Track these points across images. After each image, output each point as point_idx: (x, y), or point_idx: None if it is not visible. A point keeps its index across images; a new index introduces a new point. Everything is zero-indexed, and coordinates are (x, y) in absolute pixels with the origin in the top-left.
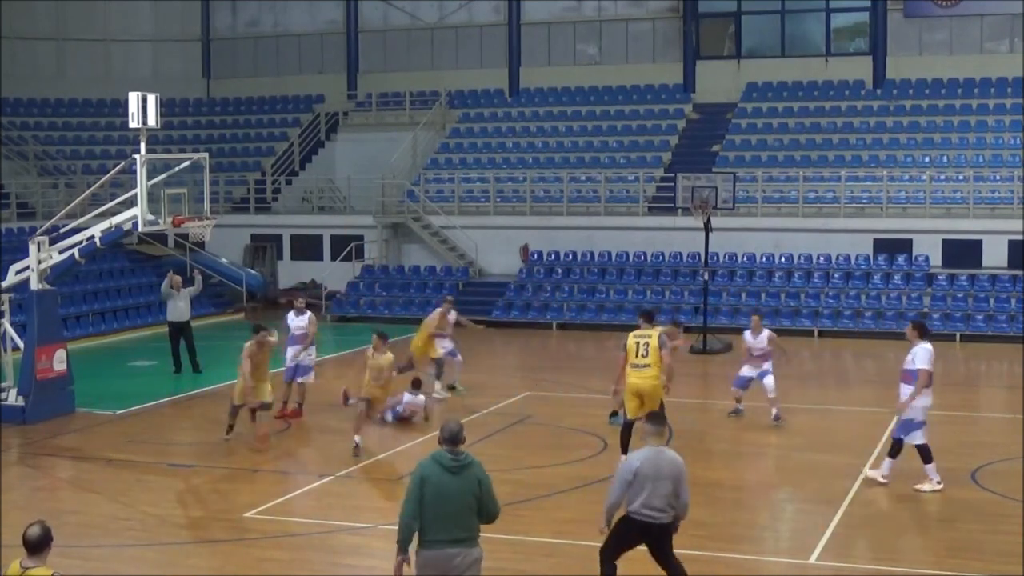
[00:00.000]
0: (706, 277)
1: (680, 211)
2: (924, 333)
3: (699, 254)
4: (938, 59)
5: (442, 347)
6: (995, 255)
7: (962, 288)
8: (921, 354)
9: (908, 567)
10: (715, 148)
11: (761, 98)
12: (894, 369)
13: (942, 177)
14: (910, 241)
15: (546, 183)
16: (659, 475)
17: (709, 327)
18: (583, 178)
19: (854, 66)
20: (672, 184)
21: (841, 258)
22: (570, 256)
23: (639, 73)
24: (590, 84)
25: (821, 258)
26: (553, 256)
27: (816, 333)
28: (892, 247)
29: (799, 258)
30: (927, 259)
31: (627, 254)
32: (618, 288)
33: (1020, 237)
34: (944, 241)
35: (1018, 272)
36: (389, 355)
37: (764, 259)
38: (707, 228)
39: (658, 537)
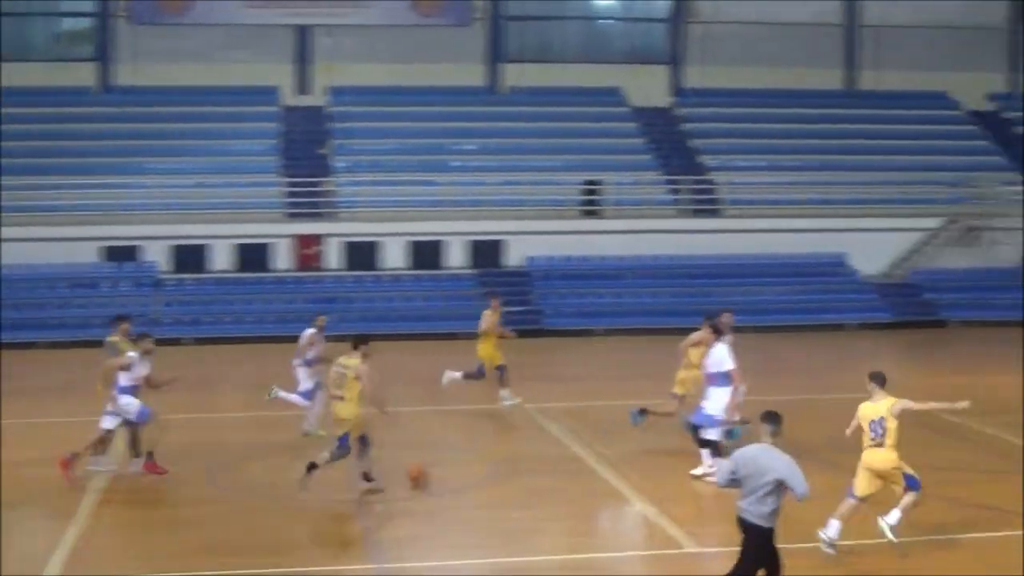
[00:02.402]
0: None
1: None
2: (719, 332)
3: None
4: (175, 67)
5: None
6: (222, 259)
7: (190, 292)
8: (722, 354)
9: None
10: None
11: None
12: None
13: (172, 184)
14: (136, 248)
15: None
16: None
17: None
18: None
19: (80, 72)
20: None
21: (64, 266)
22: None
23: None
24: None
25: (45, 267)
26: None
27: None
28: (120, 254)
29: None
30: (155, 264)
31: None
32: None
33: (251, 241)
34: (174, 247)
35: (249, 274)
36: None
37: None
38: None
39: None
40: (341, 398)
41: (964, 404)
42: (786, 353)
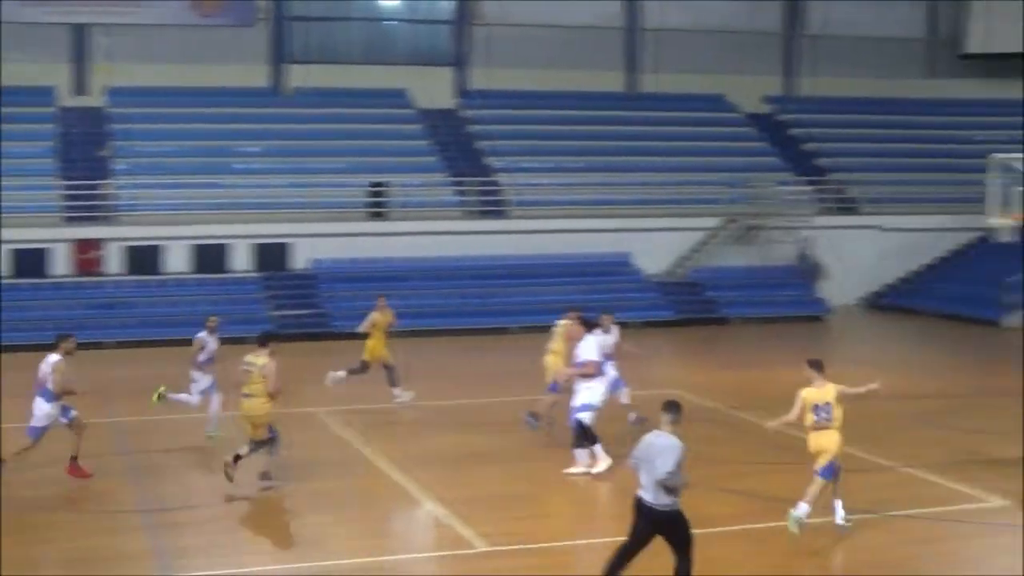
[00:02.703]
0: None
1: None
2: (589, 326)
3: None
4: None
5: None
6: None
7: None
8: (589, 346)
9: None
10: None
11: None
12: None
13: None
14: None
15: None
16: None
17: None
18: None
19: None
20: None
21: None
22: None
23: None
24: None
25: None
26: None
27: None
28: None
29: None
30: None
31: None
32: None
33: (27, 246)
34: None
35: (26, 280)
36: None
37: None
38: None
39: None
40: (248, 395)
41: (876, 385)
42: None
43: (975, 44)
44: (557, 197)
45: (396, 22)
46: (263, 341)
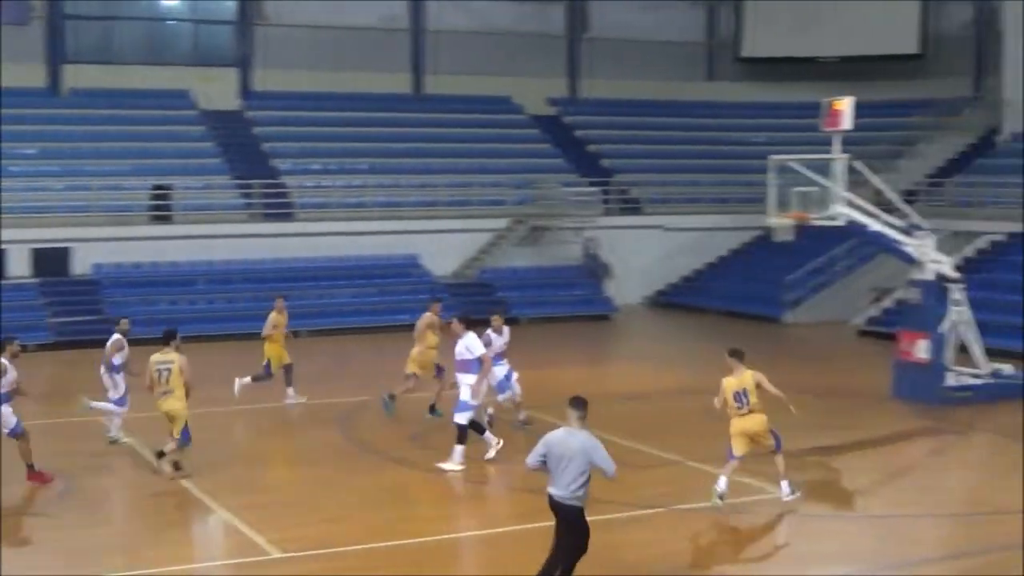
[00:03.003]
0: None
1: None
2: (469, 324)
3: None
4: None
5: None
6: None
7: None
8: (473, 343)
9: None
10: None
11: None
12: None
13: None
14: None
15: None
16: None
17: None
18: None
19: None
20: None
21: None
22: None
23: None
24: None
25: None
26: None
27: None
28: None
29: None
30: None
31: None
32: None
33: None
34: None
35: None
36: None
37: None
38: None
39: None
40: (167, 393)
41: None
42: (361, 354)
43: (751, 48)
44: (344, 199)
45: (177, 22)
46: (167, 339)
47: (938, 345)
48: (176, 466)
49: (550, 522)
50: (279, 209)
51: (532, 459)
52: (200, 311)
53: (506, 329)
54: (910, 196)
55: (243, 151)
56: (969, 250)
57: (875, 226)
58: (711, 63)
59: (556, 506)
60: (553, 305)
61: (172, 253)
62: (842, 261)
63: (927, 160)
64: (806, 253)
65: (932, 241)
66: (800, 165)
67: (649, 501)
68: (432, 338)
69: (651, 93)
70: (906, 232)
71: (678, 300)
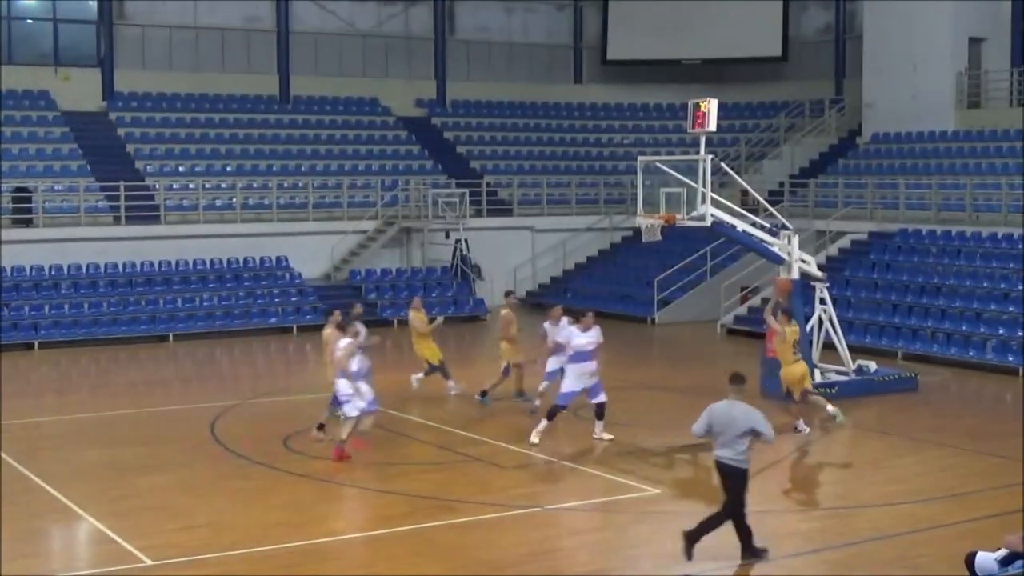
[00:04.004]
0: None
1: None
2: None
3: None
4: None
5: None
6: None
7: None
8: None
9: None
10: None
11: None
12: None
13: None
14: None
15: None
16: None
17: None
18: None
19: None
20: None
21: None
22: None
23: None
24: None
25: None
26: None
27: None
28: None
29: None
30: None
31: None
32: None
33: None
34: None
35: None
36: None
37: None
38: None
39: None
40: None
41: None
42: (231, 358)
43: (617, 51)
44: (211, 201)
45: (34, 21)
46: None
47: (804, 343)
48: None
49: (420, 525)
50: (144, 212)
51: (698, 428)
52: (65, 316)
53: (596, 328)
54: (774, 196)
55: (107, 153)
56: (832, 249)
57: (741, 226)
58: (578, 65)
59: (724, 467)
60: (424, 307)
61: (35, 257)
62: (710, 261)
63: (791, 161)
64: (674, 253)
65: (797, 241)
66: (667, 166)
67: (520, 501)
68: (513, 328)
69: (519, 95)
70: (772, 232)
71: (548, 301)
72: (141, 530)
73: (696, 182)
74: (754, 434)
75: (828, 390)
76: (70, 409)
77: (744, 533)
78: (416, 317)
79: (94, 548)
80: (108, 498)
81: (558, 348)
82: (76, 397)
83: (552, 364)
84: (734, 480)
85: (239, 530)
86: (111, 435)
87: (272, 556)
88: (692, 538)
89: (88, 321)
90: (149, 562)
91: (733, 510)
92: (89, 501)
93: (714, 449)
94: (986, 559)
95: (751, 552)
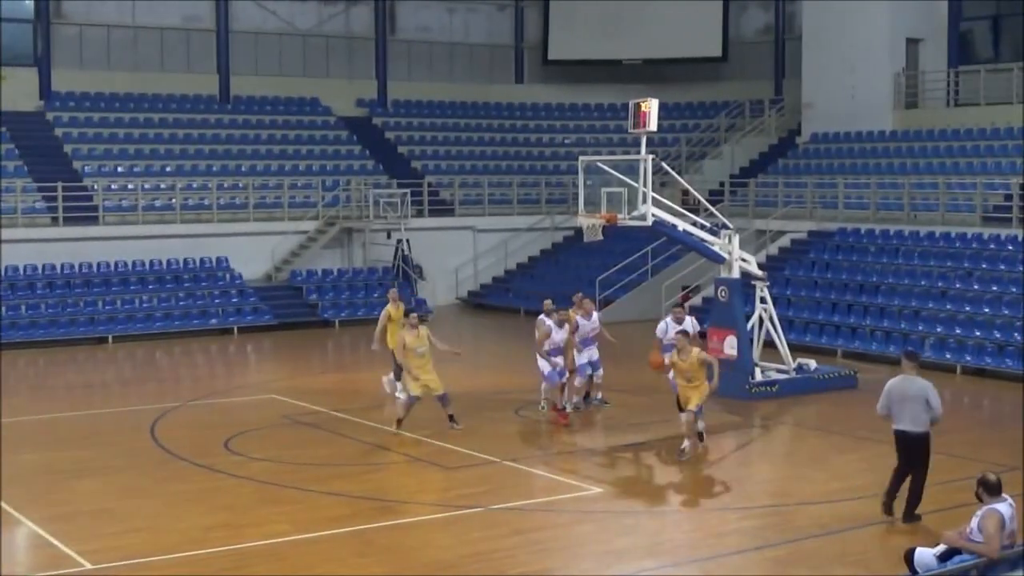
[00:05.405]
0: None
1: None
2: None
3: None
4: None
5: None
6: None
7: None
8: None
9: None
10: None
11: None
12: None
13: None
14: None
15: None
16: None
17: None
18: None
19: None
20: None
21: None
22: None
23: None
24: None
25: None
26: None
27: None
28: None
29: None
30: None
31: None
32: None
33: None
34: None
35: None
36: None
37: None
38: None
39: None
40: None
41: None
42: (172, 360)
43: (558, 51)
44: (150, 202)
45: None
46: None
47: (745, 342)
48: None
49: (362, 526)
50: (83, 212)
51: (883, 407)
52: (1, 318)
53: (596, 314)
54: (715, 196)
55: (44, 153)
56: (772, 248)
57: (682, 226)
58: (519, 65)
59: (905, 437)
60: (366, 308)
61: None
62: (651, 261)
63: (731, 161)
64: (615, 253)
65: (737, 240)
66: (608, 166)
67: (462, 501)
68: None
69: (460, 95)
70: (712, 231)
71: (490, 301)
72: (80, 534)
73: (637, 182)
74: (927, 405)
75: (769, 388)
76: (8, 412)
77: (916, 497)
78: (394, 312)
79: (33, 552)
80: (47, 502)
81: (588, 342)
82: (14, 400)
83: (582, 358)
84: (919, 445)
85: (180, 533)
86: (50, 438)
87: (213, 559)
88: (909, 506)
89: (26, 323)
90: (89, 566)
91: (922, 476)
92: (27, 505)
93: (893, 424)
94: (925, 555)
95: (911, 517)
